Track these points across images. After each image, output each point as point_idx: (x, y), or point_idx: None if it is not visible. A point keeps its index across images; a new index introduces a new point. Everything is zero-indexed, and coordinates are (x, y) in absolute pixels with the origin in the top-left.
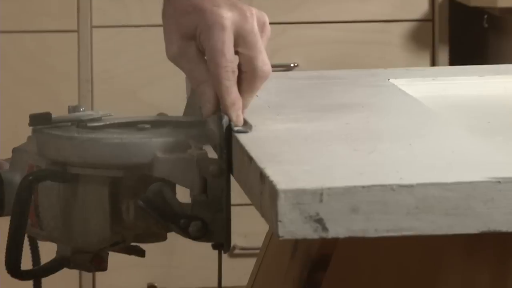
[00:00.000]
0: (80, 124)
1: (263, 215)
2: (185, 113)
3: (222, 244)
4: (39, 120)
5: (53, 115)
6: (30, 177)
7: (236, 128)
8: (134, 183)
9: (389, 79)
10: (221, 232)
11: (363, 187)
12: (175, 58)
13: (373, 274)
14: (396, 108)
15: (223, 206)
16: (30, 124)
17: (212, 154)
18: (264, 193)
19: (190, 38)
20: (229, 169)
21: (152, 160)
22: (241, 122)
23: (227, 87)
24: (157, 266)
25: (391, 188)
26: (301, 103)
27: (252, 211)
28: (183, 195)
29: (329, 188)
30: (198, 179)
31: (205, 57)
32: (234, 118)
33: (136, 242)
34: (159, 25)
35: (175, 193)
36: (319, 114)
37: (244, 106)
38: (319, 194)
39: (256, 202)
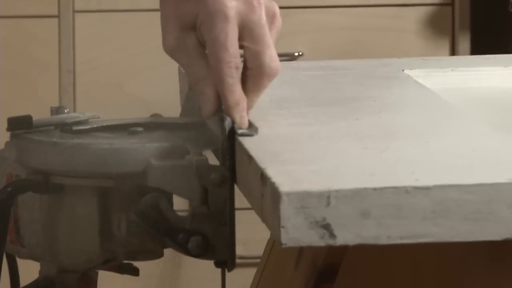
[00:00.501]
0: (65, 128)
1: (264, 220)
2: (182, 113)
3: (226, 261)
4: (19, 124)
5: (34, 118)
6: (9, 188)
7: (240, 131)
8: (126, 194)
9: (403, 70)
10: (224, 248)
11: (375, 189)
12: (172, 50)
13: (386, 286)
14: (411, 102)
15: (226, 219)
16: (9, 129)
17: (213, 160)
18: (265, 196)
19: (189, 28)
20: (233, 177)
21: (145, 168)
22: (245, 124)
23: (230, 85)
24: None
25: (405, 190)
26: (306, 96)
27: (252, 216)
28: (181, 206)
29: (337, 191)
30: (198, 188)
31: (206, 51)
32: (237, 119)
33: (129, 259)
34: (149, 10)
35: (172, 205)
36: (326, 108)
37: (249, 107)
38: (326, 197)
39: (257, 206)
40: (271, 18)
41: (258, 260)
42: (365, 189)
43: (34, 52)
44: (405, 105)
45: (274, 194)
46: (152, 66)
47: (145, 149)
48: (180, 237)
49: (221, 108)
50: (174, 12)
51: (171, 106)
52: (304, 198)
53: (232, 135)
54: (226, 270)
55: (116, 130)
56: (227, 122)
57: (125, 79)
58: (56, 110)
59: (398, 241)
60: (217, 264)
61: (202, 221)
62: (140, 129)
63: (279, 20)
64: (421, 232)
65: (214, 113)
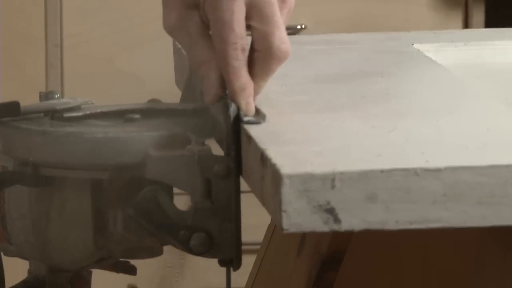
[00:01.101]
0: (55, 115)
1: (264, 204)
2: (182, 99)
3: (231, 260)
4: (5, 111)
5: (22, 104)
6: None
7: (246, 119)
8: (122, 187)
9: (413, 44)
10: (229, 245)
11: (382, 171)
12: (173, 29)
13: (394, 274)
14: (421, 79)
15: (232, 213)
16: None
17: (217, 150)
18: (265, 179)
19: (192, 6)
20: (238, 169)
21: (143, 159)
22: (252, 111)
23: (235, 68)
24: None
25: (415, 172)
26: (310, 72)
27: (252, 200)
28: (182, 201)
29: (342, 173)
30: (201, 181)
31: (210, 31)
32: (243, 106)
33: (126, 257)
34: None
35: (172, 199)
36: (331, 85)
37: (256, 92)
38: (330, 180)
39: (256, 189)
40: None
41: (258, 247)
42: (372, 171)
43: (19, 26)
44: (414, 82)
45: (275, 177)
46: (145, 40)
47: (143, 138)
48: (181, 234)
49: (226, 93)
50: None
51: (165, 83)
52: (307, 180)
53: (237, 123)
54: (231, 269)
55: (111, 117)
56: (232, 109)
57: (116, 53)
58: (46, 96)
59: (407, 227)
60: (222, 263)
61: (205, 217)
62: (137, 116)
63: None
64: (431, 217)
65: (218, 99)
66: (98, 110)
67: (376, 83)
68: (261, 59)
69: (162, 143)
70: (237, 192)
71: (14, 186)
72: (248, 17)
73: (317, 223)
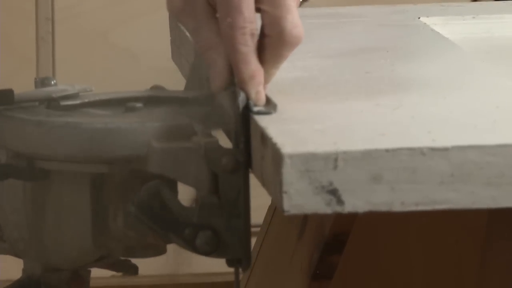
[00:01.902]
0: (51, 103)
1: (264, 185)
2: (187, 86)
3: (240, 260)
4: None
5: (16, 92)
6: None
7: (255, 109)
8: (122, 181)
9: (419, 18)
10: (237, 244)
11: (387, 150)
12: (178, 12)
13: (399, 257)
14: (427, 54)
15: (240, 210)
16: None
17: (224, 142)
18: (265, 158)
19: None
20: (248, 162)
21: (146, 151)
22: (262, 100)
23: (244, 54)
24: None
25: (421, 152)
26: (312, 47)
27: (252, 181)
28: (187, 196)
29: (345, 152)
30: (207, 175)
31: (217, 14)
32: (253, 95)
33: (127, 256)
34: None
35: (176, 194)
36: (334, 61)
37: (266, 80)
38: (333, 160)
39: (256, 169)
40: None
41: (258, 229)
42: (377, 150)
43: None
44: (421, 57)
45: (276, 156)
46: (140, 13)
47: (145, 129)
48: (186, 231)
49: (234, 81)
50: None
51: (161, 58)
52: (308, 160)
53: (246, 113)
54: (240, 269)
55: (111, 106)
56: (241, 98)
57: (110, 27)
58: (41, 82)
59: (413, 208)
60: (230, 263)
61: (212, 213)
62: (139, 104)
63: None
64: (438, 198)
65: (225, 87)
66: (97, 98)
67: (381, 58)
68: (271, 45)
69: (166, 134)
70: (246, 187)
71: (8, 180)
72: (257, 0)
73: (319, 205)
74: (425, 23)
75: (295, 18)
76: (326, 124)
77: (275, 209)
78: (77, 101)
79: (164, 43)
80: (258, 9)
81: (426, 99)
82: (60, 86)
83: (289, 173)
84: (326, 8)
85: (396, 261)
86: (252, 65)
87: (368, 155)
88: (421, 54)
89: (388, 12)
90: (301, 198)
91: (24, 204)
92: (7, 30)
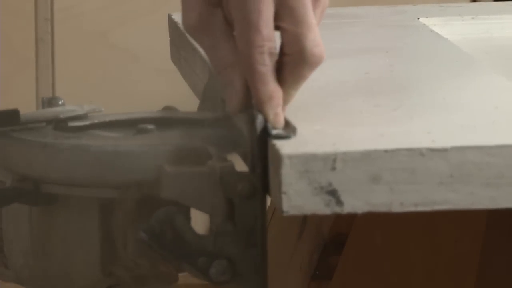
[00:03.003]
0: (59, 124)
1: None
2: (200, 106)
3: None
4: (3, 120)
5: (22, 112)
6: None
7: (274, 132)
8: (133, 207)
9: (418, 18)
10: (253, 274)
11: (386, 151)
12: (194, 28)
13: (398, 258)
14: (427, 54)
15: (257, 238)
16: None
17: (240, 166)
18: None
19: (215, 3)
20: (265, 188)
21: (158, 176)
22: (280, 123)
23: (262, 74)
24: None
25: (420, 152)
26: None
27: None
28: (201, 222)
29: (344, 153)
30: (222, 201)
31: (234, 32)
32: (271, 117)
33: (137, 285)
34: None
35: (189, 221)
36: (333, 61)
37: (285, 102)
38: (332, 160)
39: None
40: None
41: None
42: (376, 151)
43: None
44: (420, 57)
45: (275, 157)
46: (139, 14)
47: (157, 153)
48: (200, 260)
49: (252, 102)
50: None
51: (160, 58)
52: (308, 161)
53: (264, 136)
54: None
55: (121, 128)
56: (259, 121)
57: (110, 28)
58: (48, 102)
59: (412, 209)
60: None
61: (227, 241)
62: (150, 126)
63: None
64: (437, 199)
65: (242, 109)
66: (107, 119)
67: (381, 58)
68: (291, 64)
69: (179, 158)
70: (263, 213)
71: (12, 204)
72: (277, 17)
73: (318, 206)
74: (424, 24)
75: (316, 36)
76: (325, 125)
77: (274, 210)
78: (86, 122)
79: (164, 43)
80: (277, 27)
81: (425, 100)
82: (68, 106)
83: (288, 174)
84: (327, 9)
85: (395, 261)
86: (270, 86)
87: (367, 156)
88: (420, 55)
89: (388, 12)
90: (300, 199)
91: (29, 229)
92: (6, 31)
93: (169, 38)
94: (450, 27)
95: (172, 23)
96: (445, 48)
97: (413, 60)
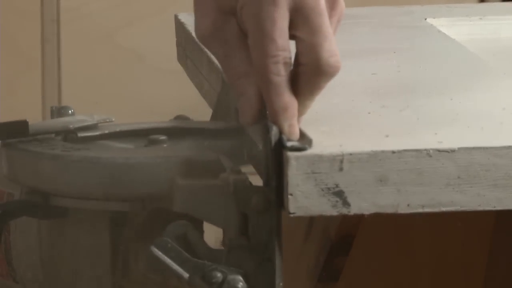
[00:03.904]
0: (69, 135)
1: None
2: (213, 116)
3: None
4: (11, 131)
5: (31, 123)
6: None
7: (289, 144)
8: (145, 221)
9: (426, 19)
10: None
11: (393, 152)
12: (207, 37)
13: (405, 259)
14: (434, 55)
15: (272, 253)
16: None
17: (255, 179)
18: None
19: (229, 12)
20: (280, 201)
21: (170, 188)
22: (296, 134)
23: (276, 85)
24: None
25: (427, 153)
26: None
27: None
28: (214, 236)
29: (351, 154)
30: (236, 215)
31: (248, 41)
32: (286, 128)
33: None
34: None
35: (202, 234)
36: None
37: (301, 113)
38: (338, 161)
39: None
40: (331, 2)
41: None
42: (383, 152)
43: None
44: (427, 58)
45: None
46: (145, 14)
47: (169, 165)
48: (213, 276)
49: (266, 113)
50: None
51: (166, 59)
52: (314, 162)
53: (279, 149)
54: None
55: (132, 138)
56: (274, 132)
57: (116, 28)
58: (58, 111)
59: (419, 210)
60: None
61: (241, 256)
62: (162, 137)
63: (341, 4)
64: (444, 200)
65: (256, 120)
66: (118, 129)
67: (388, 59)
68: (306, 75)
69: (192, 170)
70: (278, 228)
71: (21, 218)
72: (292, 26)
73: (325, 207)
74: (431, 24)
75: (332, 46)
76: (332, 126)
77: None
78: (96, 133)
79: (170, 44)
80: (292, 36)
81: (432, 101)
82: (78, 116)
83: (294, 175)
84: None
85: (402, 263)
86: (285, 97)
87: (374, 157)
88: (427, 55)
89: (395, 13)
90: (307, 200)
91: (38, 243)
92: (12, 31)
93: (175, 39)
94: (458, 28)
95: (178, 23)
96: (453, 48)
97: (420, 61)
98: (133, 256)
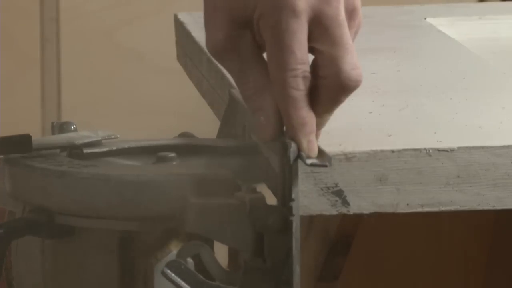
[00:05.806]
0: (74, 152)
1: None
2: (220, 132)
3: None
4: (14, 146)
5: (34, 138)
6: (1, 230)
7: (309, 161)
8: (155, 241)
9: (426, 18)
10: None
11: (393, 151)
12: (220, 51)
13: (405, 259)
14: (434, 54)
15: (289, 275)
16: (0, 152)
17: (270, 198)
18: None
19: (244, 24)
20: (297, 221)
21: (182, 208)
22: (314, 151)
23: (294, 99)
24: None
25: (427, 153)
26: None
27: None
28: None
29: (350, 153)
30: (252, 235)
31: (265, 54)
32: (304, 145)
33: None
34: None
35: (213, 254)
36: None
37: (319, 128)
38: (338, 161)
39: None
40: (350, 13)
41: None
42: (382, 151)
43: None
44: (427, 58)
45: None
46: (145, 13)
47: (181, 183)
48: None
49: (283, 130)
50: (224, 2)
51: (166, 58)
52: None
53: (296, 167)
54: None
55: (139, 155)
56: (292, 150)
57: (115, 27)
58: (60, 127)
59: (419, 210)
60: None
61: (257, 278)
62: (172, 154)
63: (360, 15)
64: (444, 200)
65: (273, 137)
66: (124, 146)
67: (388, 58)
68: (326, 88)
69: (205, 189)
70: (296, 248)
71: (24, 237)
72: (311, 38)
73: (324, 206)
74: (431, 24)
75: (353, 59)
76: (332, 125)
77: None
78: (102, 149)
79: (170, 43)
80: (311, 48)
81: (432, 100)
82: (82, 132)
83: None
84: None
85: (402, 262)
86: (303, 111)
87: (374, 156)
88: (427, 55)
89: (395, 12)
90: (306, 199)
91: (42, 264)
92: (11, 30)
93: (175, 38)
94: (457, 27)
95: (178, 23)
96: (452, 48)
97: (420, 60)
98: (143, 278)
